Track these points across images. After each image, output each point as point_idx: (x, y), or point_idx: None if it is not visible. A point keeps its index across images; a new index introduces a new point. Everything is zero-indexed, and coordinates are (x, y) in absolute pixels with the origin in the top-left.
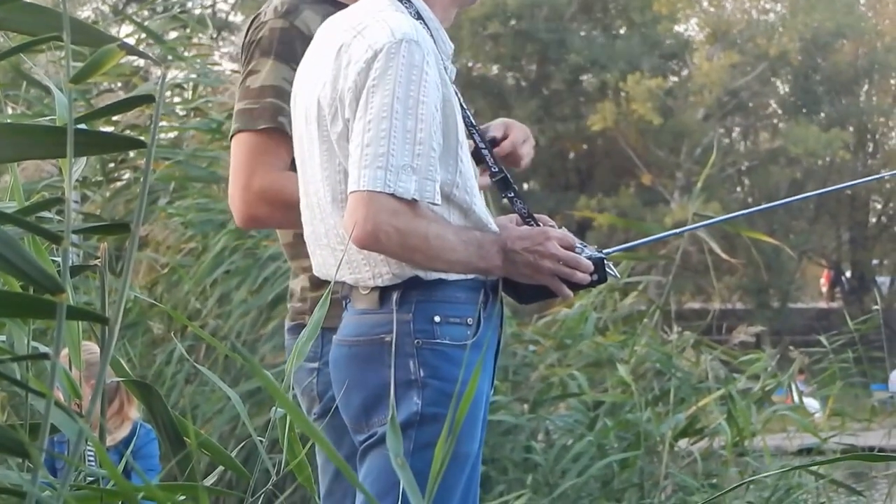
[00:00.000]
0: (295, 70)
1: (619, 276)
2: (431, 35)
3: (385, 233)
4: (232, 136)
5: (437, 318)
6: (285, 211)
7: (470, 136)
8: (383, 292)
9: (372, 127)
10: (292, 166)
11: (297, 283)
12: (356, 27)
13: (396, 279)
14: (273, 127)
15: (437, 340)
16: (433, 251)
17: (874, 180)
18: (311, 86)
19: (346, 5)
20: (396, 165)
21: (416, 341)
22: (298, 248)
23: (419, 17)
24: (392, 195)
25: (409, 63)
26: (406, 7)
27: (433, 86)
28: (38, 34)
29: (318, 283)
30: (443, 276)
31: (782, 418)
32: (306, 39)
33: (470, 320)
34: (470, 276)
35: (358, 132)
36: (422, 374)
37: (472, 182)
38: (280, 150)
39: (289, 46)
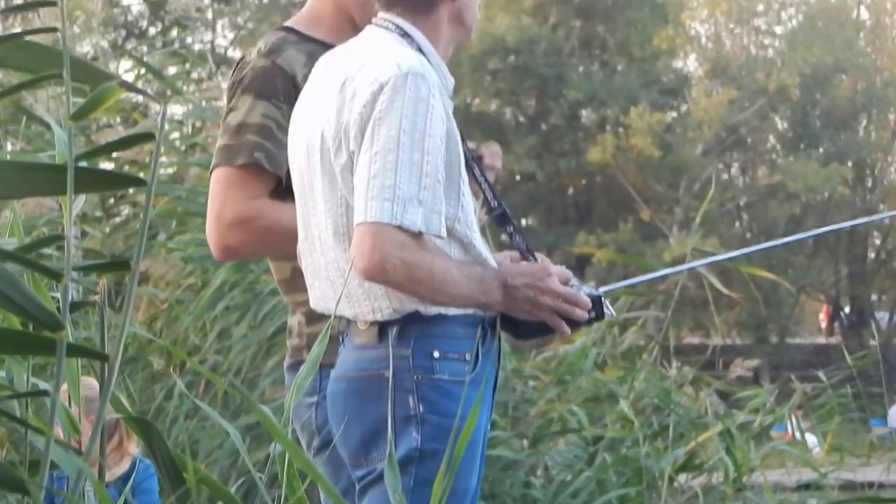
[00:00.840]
0: (276, 106)
1: (615, 314)
2: (434, 70)
3: (392, 265)
4: (211, 171)
5: (436, 354)
6: (258, 240)
7: (469, 170)
8: (382, 327)
9: (379, 159)
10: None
11: (294, 320)
12: (361, 60)
13: (396, 314)
14: (250, 162)
15: (437, 376)
16: (437, 284)
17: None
18: (312, 119)
19: (328, 44)
20: (403, 197)
21: (415, 377)
22: (294, 283)
23: (420, 51)
24: (399, 227)
25: (416, 96)
26: (408, 42)
27: (439, 119)
28: (39, 72)
29: (314, 319)
30: (442, 310)
31: (781, 453)
32: (287, 77)
33: (468, 356)
34: (469, 312)
35: (364, 164)
36: (421, 409)
37: (472, 216)
38: (255, 184)
39: (269, 84)
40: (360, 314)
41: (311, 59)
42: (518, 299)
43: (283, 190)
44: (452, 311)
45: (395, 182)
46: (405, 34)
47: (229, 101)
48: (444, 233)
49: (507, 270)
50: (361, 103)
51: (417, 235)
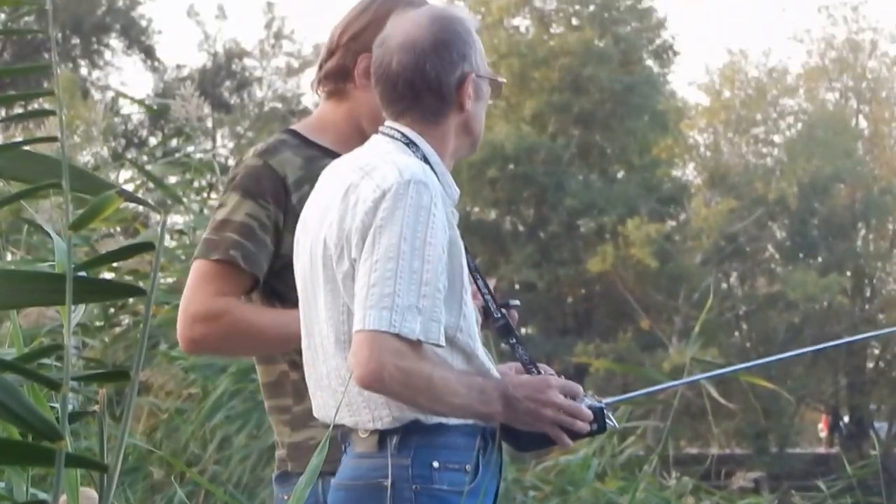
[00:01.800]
0: (261, 206)
1: (617, 425)
2: (440, 179)
3: (389, 373)
4: (192, 263)
5: (435, 464)
6: (222, 335)
7: (473, 280)
8: (382, 436)
9: (378, 267)
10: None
11: (275, 429)
12: (364, 168)
13: (396, 423)
14: (225, 259)
15: (436, 486)
16: (436, 393)
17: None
18: (316, 227)
19: (331, 151)
20: (402, 306)
21: (414, 486)
22: (280, 387)
23: (426, 160)
24: (397, 336)
25: (418, 204)
26: (413, 151)
27: (440, 227)
28: (39, 181)
29: (297, 426)
30: (443, 420)
31: None
32: (278, 179)
33: (468, 466)
34: (469, 422)
35: (364, 272)
36: None
37: (474, 327)
38: (228, 281)
39: (257, 183)
40: (361, 422)
41: (309, 164)
42: (519, 411)
43: (266, 290)
44: (453, 421)
45: (394, 290)
46: (410, 142)
47: (221, 195)
48: (443, 341)
49: (509, 382)
50: (363, 210)
51: (416, 344)
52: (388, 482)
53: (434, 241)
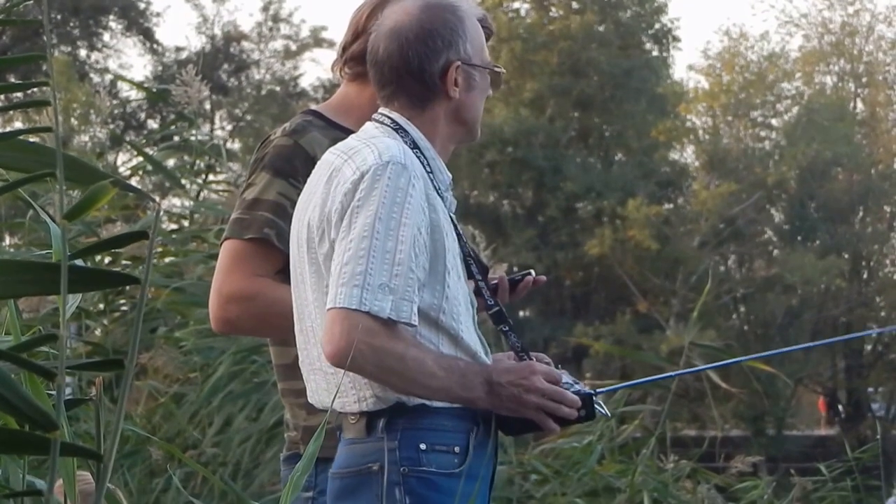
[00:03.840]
0: (292, 185)
1: (608, 413)
2: (429, 164)
3: (359, 350)
4: (222, 243)
5: (422, 446)
6: (256, 317)
7: (466, 265)
8: (370, 420)
9: (352, 246)
10: (282, 278)
11: (289, 412)
12: (347, 152)
13: (381, 403)
14: (259, 237)
15: (424, 468)
16: (410, 374)
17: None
18: (303, 211)
19: (355, 133)
20: (373, 284)
21: (402, 469)
22: (295, 370)
23: (415, 146)
24: (367, 314)
25: (395, 185)
26: (402, 136)
27: (417, 209)
28: (35, 170)
29: (313, 411)
30: (426, 402)
31: None
32: (308, 159)
33: (458, 448)
34: (457, 405)
35: (339, 251)
36: (407, 502)
37: (460, 309)
38: (262, 260)
39: (288, 163)
40: (347, 404)
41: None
42: (502, 396)
43: None
44: (437, 403)
45: (366, 269)
46: (399, 128)
47: (249, 176)
48: (415, 321)
49: (494, 367)
50: (343, 192)
51: (389, 324)
52: (378, 466)
53: (409, 221)
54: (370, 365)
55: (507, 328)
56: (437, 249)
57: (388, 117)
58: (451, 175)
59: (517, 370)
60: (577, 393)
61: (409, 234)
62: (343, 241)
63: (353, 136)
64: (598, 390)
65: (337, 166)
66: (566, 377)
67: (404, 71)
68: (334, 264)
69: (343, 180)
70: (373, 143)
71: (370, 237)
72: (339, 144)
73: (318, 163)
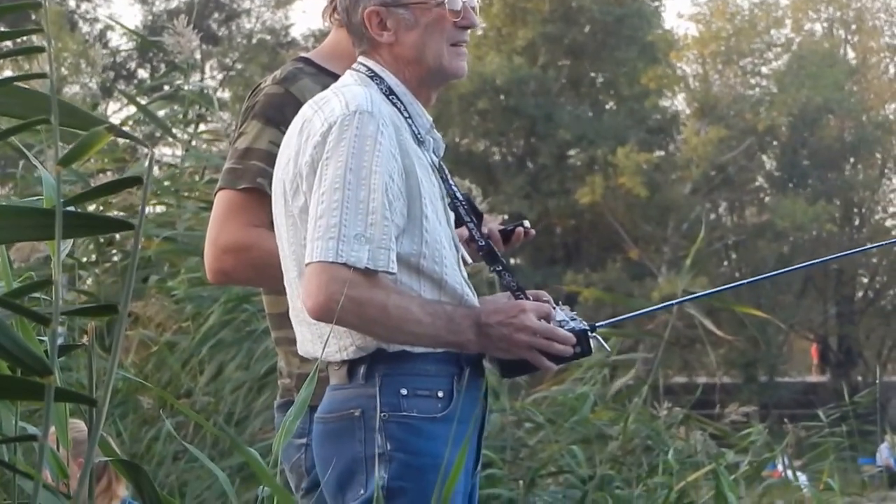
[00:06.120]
0: (284, 133)
1: (609, 348)
2: (406, 109)
3: (340, 303)
4: (215, 194)
5: (403, 391)
6: (252, 268)
7: (454, 208)
8: (351, 367)
9: (325, 199)
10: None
11: (284, 359)
12: (318, 102)
13: (361, 351)
14: (252, 187)
15: (404, 413)
16: (394, 322)
17: (861, 252)
18: (280, 164)
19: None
20: (349, 235)
21: (382, 414)
22: (286, 319)
23: (392, 92)
24: (345, 265)
25: (362, 134)
26: (377, 84)
27: (387, 156)
28: (29, 117)
29: (304, 359)
30: (406, 347)
31: (772, 493)
32: (299, 106)
33: (441, 393)
34: (440, 350)
35: (313, 205)
36: (388, 447)
37: (442, 252)
38: (256, 210)
39: (279, 111)
40: (330, 353)
41: None
42: (493, 337)
43: None
44: (418, 349)
45: (340, 220)
46: (374, 75)
47: (240, 125)
48: (394, 269)
49: (482, 309)
50: (312, 145)
51: (368, 273)
52: (360, 412)
53: (379, 168)
54: (352, 317)
55: (500, 268)
56: (413, 195)
57: (364, 65)
58: (430, 118)
59: (506, 309)
60: (571, 330)
61: (380, 182)
62: (315, 194)
63: (331, 85)
64: (595, 324)
65: (308, 117)
66: (561, 313)
67: (345, 22)
68: (309, 219)
69: (313, 132)
70: (341, 93)
71: (342, 188)
72: (317, 95)
73: (297, 113)
